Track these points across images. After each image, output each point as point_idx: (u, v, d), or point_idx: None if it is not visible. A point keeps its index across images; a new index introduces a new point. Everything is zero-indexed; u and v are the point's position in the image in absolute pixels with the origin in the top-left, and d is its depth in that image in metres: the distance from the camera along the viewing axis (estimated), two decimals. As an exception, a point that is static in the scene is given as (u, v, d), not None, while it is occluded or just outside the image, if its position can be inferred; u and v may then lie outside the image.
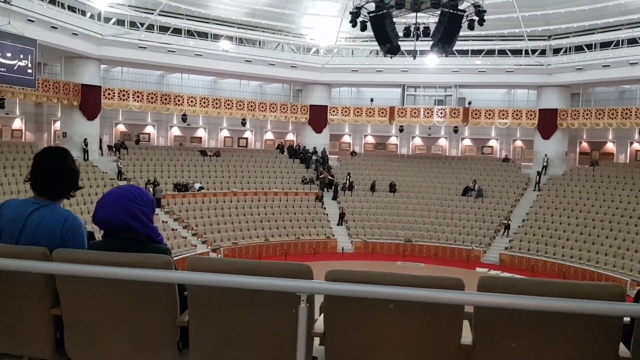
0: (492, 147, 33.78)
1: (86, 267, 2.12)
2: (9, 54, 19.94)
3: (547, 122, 29.20)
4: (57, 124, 27.98)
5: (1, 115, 26.28)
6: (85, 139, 25.62)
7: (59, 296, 2.29)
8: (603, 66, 26.01)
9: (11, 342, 2.38)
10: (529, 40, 27.55)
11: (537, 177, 28.85)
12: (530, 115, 29.72)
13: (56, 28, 22.25)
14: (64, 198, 2.57)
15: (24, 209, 2.48)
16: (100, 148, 27.57)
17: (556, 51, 28.55)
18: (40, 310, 2.31)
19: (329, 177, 30.12)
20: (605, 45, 26.57)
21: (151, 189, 23.87)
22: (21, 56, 20.50)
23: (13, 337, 2.37)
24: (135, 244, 2.32)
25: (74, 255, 2.21)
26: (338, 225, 27.61)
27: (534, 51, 28.43)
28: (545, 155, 29.46)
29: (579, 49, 27.60)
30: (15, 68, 20.31)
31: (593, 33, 26.68)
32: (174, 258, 2.27)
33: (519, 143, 33.13)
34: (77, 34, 23.47)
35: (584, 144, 31.60)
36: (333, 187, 29.67)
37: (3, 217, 2.49)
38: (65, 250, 2.25)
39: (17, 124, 27.68)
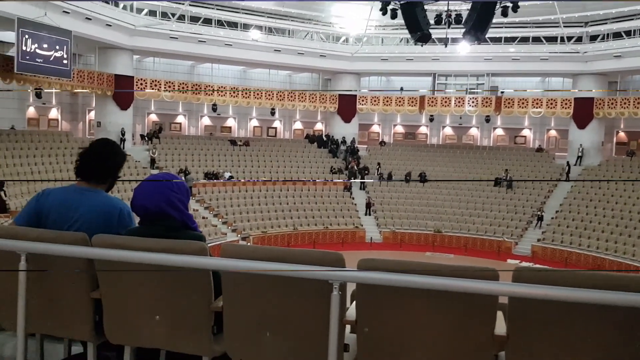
0: (525, 136, 33.08)
1: (124, 252, 2.18)
2: (45, 45, 20.43)
3: (583, 111, 28.43)
4: (92, 114, 28.62)
5: (38, 105, 27.05)
6: (122, 129, 26.09)
7: (98, 281, 2.36)
8: (643, 53, 25.20)
9: (53, 324, 2.47)
10: (564, 27, 26.80)
11: (567, 167, 28.17)
12: (565, 104, 28.97)
13: (90, 19, 22.70)
14: (103, 185, 2.65)
15: (73, 194, 2.58)
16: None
17: (593, 38, 27.72)
18: (81, 294, 2.38)
19: (356, 167, 30.01)
20: (645, 31, 25.70)
21: (183, 178, 24.21)
22: (57, 47, 20.99)
23: (55, 319, 2.45)
24: (171, 230, 2.36)
25: (112, 241, 2.27)
26: (365, 215, 27.55)
27: (569, 38, 27.66)
28: (580, 145, 28.74)
29: (617, 35, 26.74)
30: (51, 59, 20.82)
31: (632, 19, 25.79)
32: (205, 245, 2.31)
33: (553, 133, 32.36)
34: (110, 25, 23.90)
35: (621, 134, 30.69)
36: (361, 177, 29.58)
37: (48, 202, 2.57)
38: (104, 235, 2.32)
39: (54, 113, 28.41)
